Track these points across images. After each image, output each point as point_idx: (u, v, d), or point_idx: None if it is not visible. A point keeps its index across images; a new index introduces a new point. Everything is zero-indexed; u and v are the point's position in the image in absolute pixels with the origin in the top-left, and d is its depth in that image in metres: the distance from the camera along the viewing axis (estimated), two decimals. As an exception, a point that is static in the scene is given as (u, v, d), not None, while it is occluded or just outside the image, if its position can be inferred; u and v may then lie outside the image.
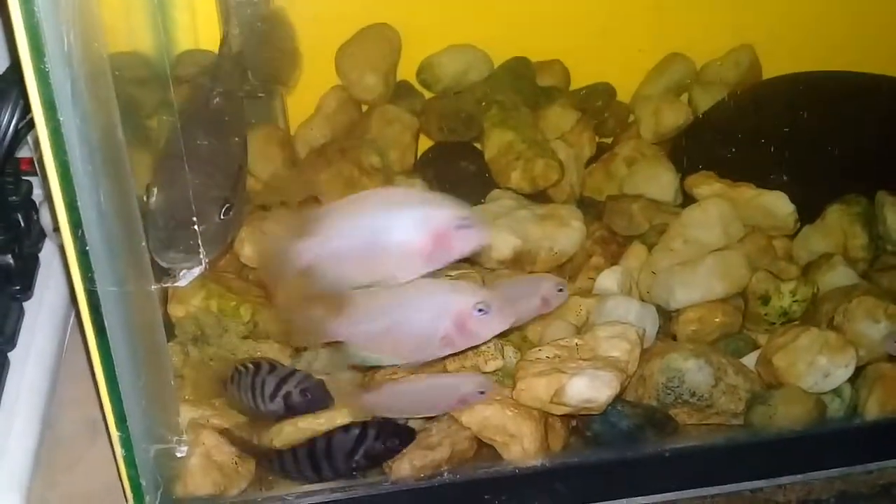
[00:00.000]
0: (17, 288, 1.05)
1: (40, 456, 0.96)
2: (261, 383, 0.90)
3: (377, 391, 0.89)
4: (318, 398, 0.90)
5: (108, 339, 0.76)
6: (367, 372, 0.94)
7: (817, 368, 0.95)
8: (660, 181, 1.19)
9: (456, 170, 1.22)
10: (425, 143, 1.27)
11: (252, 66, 1.13)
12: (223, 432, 0.90)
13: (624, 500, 0.94)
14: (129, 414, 0.80)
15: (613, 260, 1.09)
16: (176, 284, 0.87)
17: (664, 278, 1.04)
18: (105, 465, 0.92)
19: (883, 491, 0.95)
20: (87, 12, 0.70)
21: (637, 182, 1.20)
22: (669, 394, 0.94)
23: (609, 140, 1.32)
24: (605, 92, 1.32)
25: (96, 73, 0.71)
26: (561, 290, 0.97)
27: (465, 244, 0.80)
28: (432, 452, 0.89)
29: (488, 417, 0.90)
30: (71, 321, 1.09)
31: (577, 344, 0.92)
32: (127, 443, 0.81)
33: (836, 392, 0.96)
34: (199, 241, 0.87)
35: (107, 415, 0.80)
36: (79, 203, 0.70)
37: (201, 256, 0.88)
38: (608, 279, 1.04)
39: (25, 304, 1.05)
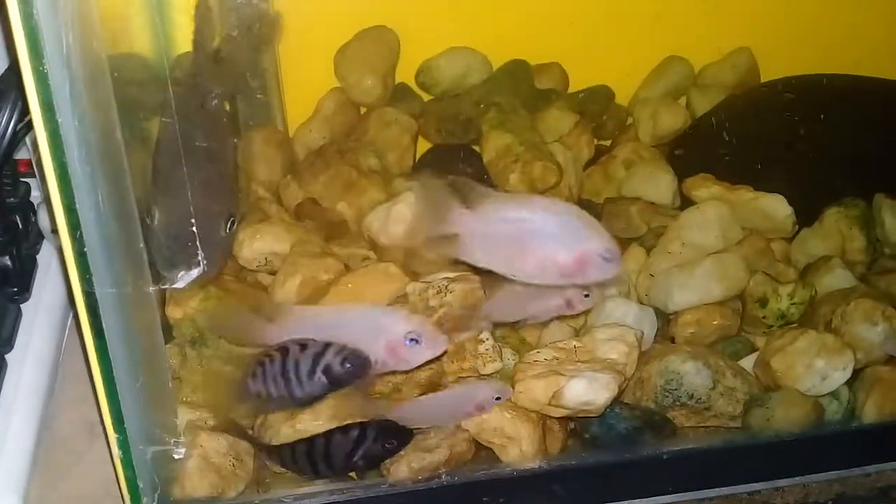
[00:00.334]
0: (15, 289, 1.05)
1: (38, 457, 0.95)
2: (294, 364, 0.87)
3: (397, 407, 0.90)
4: (359, 366, 0.87)
5: (105, 340, 0.76)
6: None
7: (815, 371, 0.95)
8: (658, 184, 1.19)
9: (454, 172, 1.22)
10: (424, 146, 1.27)
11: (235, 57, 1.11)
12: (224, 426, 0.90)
13: (622, 503, 0.94)
14: (127, 416, 0.80)
15: (612, 262, 1.09)
16: (174, 286, 0.87)
17: (662, 281, 1.04)
18: (102, 466, 0.92)
19: (881, 493, 0.95)
20: (86, 14, 0.70)
21: (635, 184, 1.20)
22: (667, 396, 0.94)
23: (607, 142, 1.32)
24: (603, 95, 1.32)
25: (95, 74, 0.72)
26: (587, 296, 0.94)
27: (600, 274, 0.84)
28: (430, 455, 0.89)
29: (486, 420, 0.90)
30: (69, 323, 1.09)
31: (575, 346, 0.92)
32: (124, 444, 0.81)
33: (834, 395, 0.96)
34: (208, 258, 0.88)
35: (104, 416, 0.80)
36: (77, 204, 0.70)
37: (211, 269, 0.89)
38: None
39: (23, 306, 1.05)
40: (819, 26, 1.31)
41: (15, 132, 0.97)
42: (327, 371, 0.87)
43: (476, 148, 1.24)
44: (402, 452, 0.89)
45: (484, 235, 0.82)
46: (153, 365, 0.85)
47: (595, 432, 0.93)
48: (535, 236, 0.82)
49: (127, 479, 0.83)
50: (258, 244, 1.05)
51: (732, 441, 0.95)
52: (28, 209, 1.10)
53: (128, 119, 0.77)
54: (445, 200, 0.83)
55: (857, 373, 0.97)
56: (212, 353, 0.98)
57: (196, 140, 0.95)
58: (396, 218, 1.05)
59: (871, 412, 0.96)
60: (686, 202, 1.16)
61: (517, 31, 1.27)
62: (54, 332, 1.06)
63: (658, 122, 1.27)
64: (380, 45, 1.24)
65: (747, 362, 1.00)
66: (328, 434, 0.88)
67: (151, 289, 0.81)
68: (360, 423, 0.88)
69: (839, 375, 0.95)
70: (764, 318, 1.03)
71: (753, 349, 1.02)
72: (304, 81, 1.24)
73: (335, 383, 0.87)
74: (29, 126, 0.97)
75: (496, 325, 0.96)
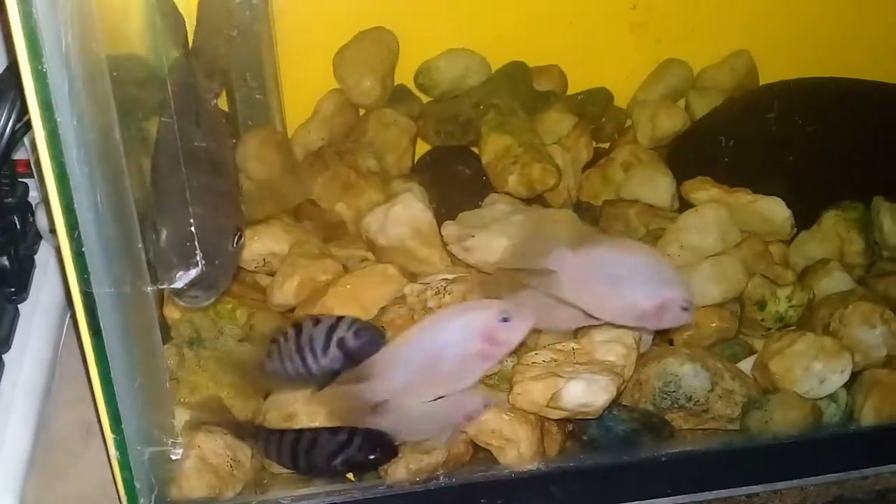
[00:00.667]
0: (13, 290, 1.04)
1: (35, 458, 0.95)
2: (308, 340, 0.85)
3: (383, 415, 0.89)
4: (373, 337, 0.86)
5: (103, 341, 0.76)
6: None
7: (813, 374, 0.95)
8: (656, 186, 1.19)
9: (453, 174, 1.22)
10: (423, 148, 1.27)
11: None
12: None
13: (620, 505, 0.94)
14: (125, 416, 0.80)
15: (610, 265, 1.09)
16: (172, 287, 0.87)
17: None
18: (100, 467, 0.92)
19: (879, 496, 0.95)
20: (85, 14, 0.70)
21: (634, 187, 1.20)
22: (666, 398, 0.94)
23: (606, 145, 1.32)
24: (602, 97, 1.32)
25: (94, 74, 0.71)
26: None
27: (675, 322, 0.89)
28: (428, 456, 0.89)
29: (484, 421, 0.90)
30: (66, 323, 1.09)
31: (573, 348, 0.92)
32: (122, 445, 0.81)
33: (832, 397, 0.96)
34: (217, 274, 0.88)
35: (102, 417, 0.80)
36: (75, 204, 0.70)
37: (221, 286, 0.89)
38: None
39: (21, 306, 1.05)
40: (818, 29, 1.32)
41: (13, 132, 0.97)
42: (341, 344, 0.86)
43: (475, 149, 1.24)
44: (382, 467, 0.88)
45: (578, 276, 0.88)
46: (151, 365, 0.85)
47: (593, 434, 0.93)
48: (623, 281, 0.87)
49: (124, 479, 0.83)
50: (257, 245, 1.05)
51: (730, 443, 0.95)
52: (26, 209, 1.10)
53: (126, 119, 0.77)
54: (552, 238, 0.89)
55: (855, 375, 0.97)
56: (210, 354, 0.98)
57: (197, 151, 0.94)
58: (395, 219, 1.05)
59: (869, 415, 0.96)
60: (684, 205, 1.16)
61: (516, 33, 1.27)
62: (52, 332, 1.05)
63: (657, 125, 1.28)
64: (379, 47, 1.24)
65: (745, 365, 1.00)
66: (318, 431, 0.88)
67: (149, 289, 0.80)
68: (351, 428, 0.88)
69: (837, 378, 0.95)
70: (762, 320, 1.03)
71: (752, 351, 1.02)
72: (303, 82, 1.24)
73: (350, 356, 0.86)
74: (27, 126, 0.97)
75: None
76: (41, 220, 1.09)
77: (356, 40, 1.24)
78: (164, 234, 0.86)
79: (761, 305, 1.03)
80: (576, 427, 0.94)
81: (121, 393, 0.79)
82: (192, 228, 0.84)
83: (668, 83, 1.33)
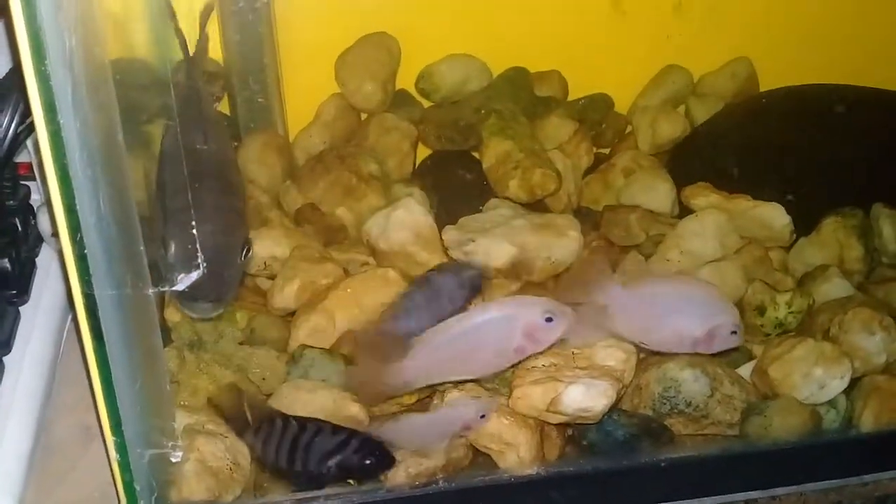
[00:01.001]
0: (14, 292, 1.05)
1: (35, 461, 0.95)
2: (436, 294, 0.92)
3: (382, 427, 0.90)
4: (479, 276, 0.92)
5: (104, 343, 0.76)
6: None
7: (813, 380, 0.95)
8: (657, 192, 1.19)
9: (454, 178, 1.23)
10: (424, 152, 1.28)
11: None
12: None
13: (619, 510, 0.94)
14: (125, 419, 0.80)
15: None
16: (173, 289, 0.87)
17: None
18: (100, 469, 0.92)
19: (878, 503, 0.95)
20: (89, 17, 0.70)
21: (634, 193, 1.20)
22: (665, 403, 0.94)
23: (606, 151, 1.32)
24: (602, 103, 1.32)
25: (97, 77, 0.72)
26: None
27: (726, 346, 0.93)
28: (427, 460, 0.89)
29: (484, 426, 0.90)
30: (67, 325, 1.09)
31: (573, 353, 0.92)
32: (122, 448, 0.81)
33: (832, 403, 0.97)
34: (227, 287, 0.89)
35: (102, 420, 0.80)
36: (78, 206, 0.70)
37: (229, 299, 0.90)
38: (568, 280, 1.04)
39: (22, 309, 1.05)
40: (818, 36, 1.32)
41: (16, 134, 0.97)
42: (472, 284, 0.93)
43: (476, 154, 1.24)
44: (379, 476, 0.88)
45: (629, 309, 0.92)
46: (151, 368, 0.85)
47: (593, 439, 0.93)
48: (673, 311, 0.92)
49: (124, 482, 0.83)
50: (257, 248, 1.05)
51: (730, 449, 0.95)
52: (28, 212, 1.10)
53: (129, 122, 0.77)
54: (606, 276, 0.93)
55: (854, 382, 0.97)
56: (210, 357, 0.98)
57: (204, 164, 0.95)
58: (396, 223, 1.06)
59: (868, 421, 0.96)
60: (685, 211, 1.16)
61: (517, 39, 1.27)
62: (52, 335, 1.05)
63: (657, 131, 1.28)
64: (380, 52, 1.25)
65: (745, 370, 1.00)
66: (320, 425, 0.87)
67: (150, 291, 0.80)
68: (351, 430, 0.88)
69: (837, 384, 0.96)
70: (762, 326, 1.03)
71: (751, 357, 1.02)
72: (305, 86, 1.25)
73: (476, 291, 0.94)
74: (30, 128, 0.97)
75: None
76: (43, 223, 1.09)
77: (358, 45, 1.24)
78: (172, 249, 0.86)
79: (761, 311, 1.03)
80: (575, 432, 0.94)
81: (121, 395, 0.79)
82: (198, 243, 0.84)
83: (668, 89, 1.33)
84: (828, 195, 1.17)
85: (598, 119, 1.31)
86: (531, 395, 0.89)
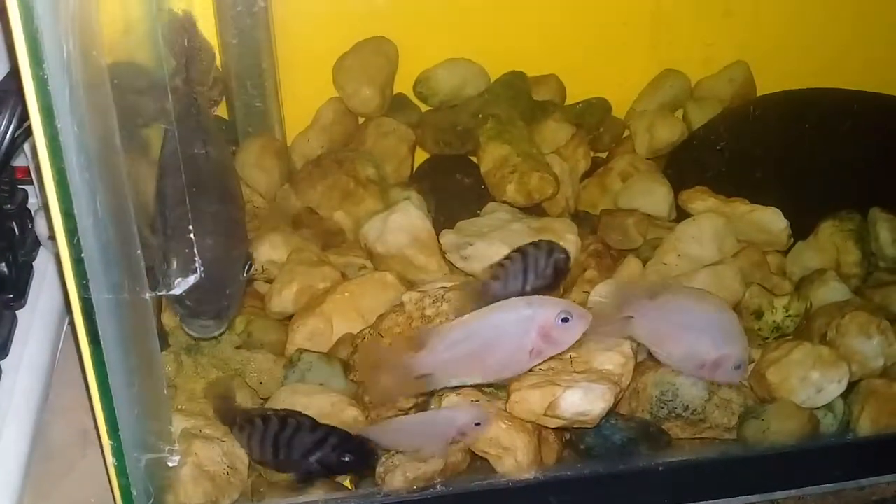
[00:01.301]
0: (11, 296, 1.04)
1: (32, 464, 0.95)
2: (534, 261, 0.94)
3: (375, 427, 0.90)
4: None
5: (101, 347, 0.76)
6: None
7: (810, 383, 0.95)
8: (654, 196, 1.19)
9: (452, 182, 1.23)
10: (421, 156, 1.28)
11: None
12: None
13: (617, 514, 0.94)
14: (122, 423, 0.80)
15: (608, 274, 1.09)
16: (171, 293, 0.87)
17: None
18: (96, 474, 0.92)
19: (875, 506, 0.96)
20: (87, 21, 0.70)
21: (632, 196, 1.21)
22: (663, 407, 0.94)
23: (604, 154, 1.33)
24: (600, 107, 1.32)
25: (95, 81, 0.72)
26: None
27: (726, 379, 0.94)
28: (425, 464, 0.89)
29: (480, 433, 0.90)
30: (64, 329, 1.09)
31: (571, 356, 0.92)
32: (119, 452, 0.81)
33: (829, 407, 0.97)
34: (228, 304, 0.90)
35: (99, 424, 0.80)
36: (75, 210, 0.70)
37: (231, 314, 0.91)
38: (603, 293, 1.04)
39: (18, 313, 1.05)
40: (816, 40, 1.32)
41: (13, 138, 0.97)
42: (557, 262, 0.96)
43: (473, 158, 1.24)
44: (361, 472, 0.88)
45: (652, 321, 0.93)
46: (148, 372, 0.85)
47: (590, 443, 0.93)
48: (689, 330, 0.92)
49: (121, 486, 0.83)
50: (255, 252, 1.05)
51: (728, 453, 0.95)
52: (25, 216, 1.10)
53: (127, 126, 0.77)
54: (636, 294, 0.95)
55: (851, 385, 0.97)
56: (207, 361, 0.98)
57: (206, 180, 0.95)
58: (393, 227, 1.06)
59: (865, 425, 0.96)
60: (682, 214, 1.16)
61: (515, 43, 1.27)
62: (50, 338, 1.05)
63: (654, 135, 1.28)
64: (378, 56, 1.25)
65: (743, 374, 1.00)
66: (301, 421, 0.87)
67: (148, 295, 0.80)
68: (331, 426, 0.88)
69: (834, 388, 0.96)
70: (759, 330, 1.03)
71: (749, 361, 1.02)
72: (303, 91, 1.25)
73: (561, 273, 0.96)
74: (27, 132, 0.97)
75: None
76: (40, 227, 1.09)
77: (356, 49, 1.25)
78: (174, 265, 0.87)
79: (758, 315, 1.03)
80: (573, 436, 0.94)
81: (118, 399, 0.79)
82: (196, 247, 0.84)
83: (665, 93, 1.33)
84: (825, 199, 1.17)
85: (595, 123, 1.32)
86: (529, 399, 0.88)
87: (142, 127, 0.94)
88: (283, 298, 1.03)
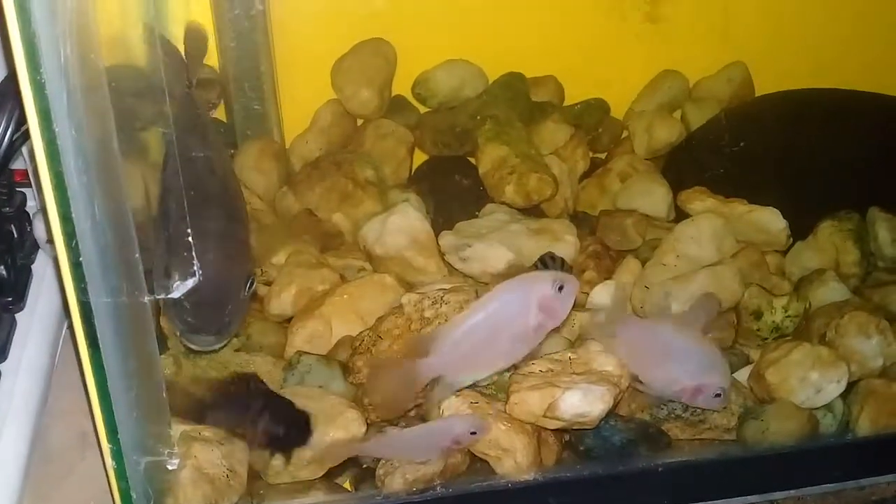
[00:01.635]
0: (10, 299, 1.04)
1: (31, 468, 0.95)
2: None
3: (371, 440, 0.90)
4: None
5: (100, 350, 0.76)
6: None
7: (809, 384, 0.95)
8: (653, 196, 1.19)
9: (450, 184, 1.23)
10: (420, 158, 1.28)
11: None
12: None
13: (617, 515, 0.94)
14: (121, 426, 0.80)
15: (607, 274, 1.10)
16: (170, 297, 0.87)
17: (657, 293, 1.04)
18: (95, 477, 0.92)
19: (875, 507, 0.96)
20: (84, 24, 0.70)
21: (630, 197, 1.21)
22: (662, 408, 0.94)
23: (602, 155, 1.33)
24: (598, 108, 1.32)
25: (92, 84, 0.72)
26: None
27: (706, 405, 0.93)
28: (425, 466, 0.89)
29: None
30: (63, 333, 1.09)
31: (570, 358, 0.92)
32: (118, 455, 0.81)
33: (828, 407, 0.97)
34: (230, 320, 0.89)
35: (98, 427, 0.80)
36: (73, 214, 0.70)
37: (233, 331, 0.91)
38: (602, 294, 1.05)
39: (17, 316, 1.05)
40: (814, 41, 1.32)
41: (11, 141, 0.97)
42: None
43: (472, 160, 1.24)
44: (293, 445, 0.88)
45: (636, 342, 0.93)
46: (147, 375, 0.85)
47: (590, 444, 0.93)
48: (671, 356, 0.92)
49: (120, 489, 0.83)
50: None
51: (727, 453, 0.95)
52: (23, 219, 1.10)
53: (125, 130, 0.77)
54: (624, 311, 0.97)
55: (851, 385, 0.97)
56: (206, 364, 0.98)
57: (210, 196, 0.95)
58: (392, 229, 1.06)
59: (865, 425, 0.96)
60: (681, 215, 1.16)
61: (513, 44, 1.28)
62: (48, 342, 1.05)
63: (653, 136, 1.28)
64: (377, 58, 1.25)
65: (742, 375, 1.00)
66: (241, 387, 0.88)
67: (146, 298, 0.80)
68: (268, 398, 0.88)
69: (833, 388, 0.96)
70: (758, 330, 1.03)
71: (748, 361, 1.02)
72: (301, 93, 1.25)
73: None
74: (25, 136, 0.97)
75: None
76: (38, 230, 1.09)
77: (354, 51, 1.25)
78: (175, 277, 0.86)
79: (757, 315, 1.03)
80: (573, 437, 0.94)
81: (117, 403, 0.79)
82: (200, 274, 0.84)
83: (664, 94, 1.34)
84: (824, 199, 1.17)
85: (594, 124, 1.32)
86: (528, 401, 0.88)
87: (140, 131, 0.94)
88: (282, 301, 1.03)
